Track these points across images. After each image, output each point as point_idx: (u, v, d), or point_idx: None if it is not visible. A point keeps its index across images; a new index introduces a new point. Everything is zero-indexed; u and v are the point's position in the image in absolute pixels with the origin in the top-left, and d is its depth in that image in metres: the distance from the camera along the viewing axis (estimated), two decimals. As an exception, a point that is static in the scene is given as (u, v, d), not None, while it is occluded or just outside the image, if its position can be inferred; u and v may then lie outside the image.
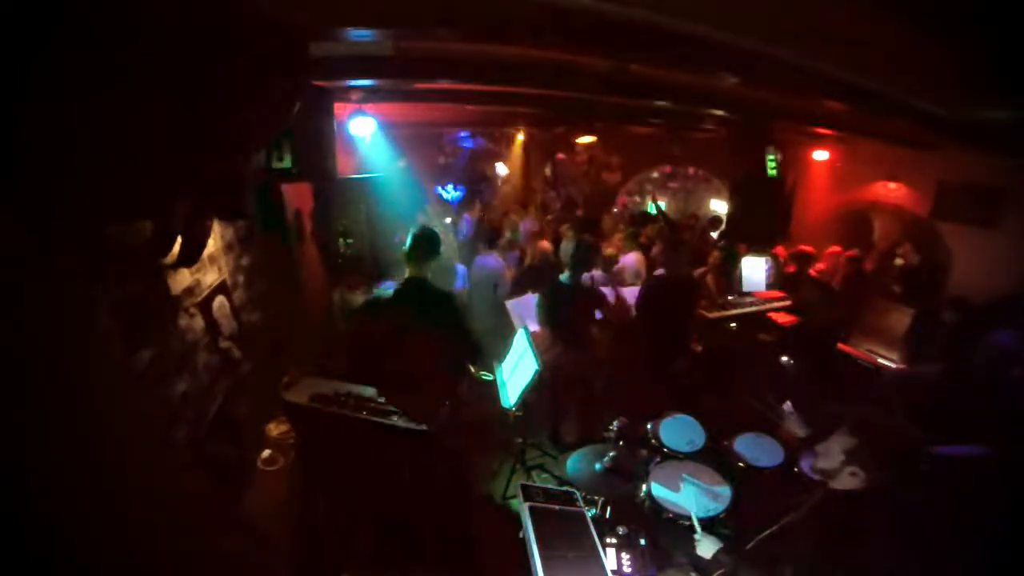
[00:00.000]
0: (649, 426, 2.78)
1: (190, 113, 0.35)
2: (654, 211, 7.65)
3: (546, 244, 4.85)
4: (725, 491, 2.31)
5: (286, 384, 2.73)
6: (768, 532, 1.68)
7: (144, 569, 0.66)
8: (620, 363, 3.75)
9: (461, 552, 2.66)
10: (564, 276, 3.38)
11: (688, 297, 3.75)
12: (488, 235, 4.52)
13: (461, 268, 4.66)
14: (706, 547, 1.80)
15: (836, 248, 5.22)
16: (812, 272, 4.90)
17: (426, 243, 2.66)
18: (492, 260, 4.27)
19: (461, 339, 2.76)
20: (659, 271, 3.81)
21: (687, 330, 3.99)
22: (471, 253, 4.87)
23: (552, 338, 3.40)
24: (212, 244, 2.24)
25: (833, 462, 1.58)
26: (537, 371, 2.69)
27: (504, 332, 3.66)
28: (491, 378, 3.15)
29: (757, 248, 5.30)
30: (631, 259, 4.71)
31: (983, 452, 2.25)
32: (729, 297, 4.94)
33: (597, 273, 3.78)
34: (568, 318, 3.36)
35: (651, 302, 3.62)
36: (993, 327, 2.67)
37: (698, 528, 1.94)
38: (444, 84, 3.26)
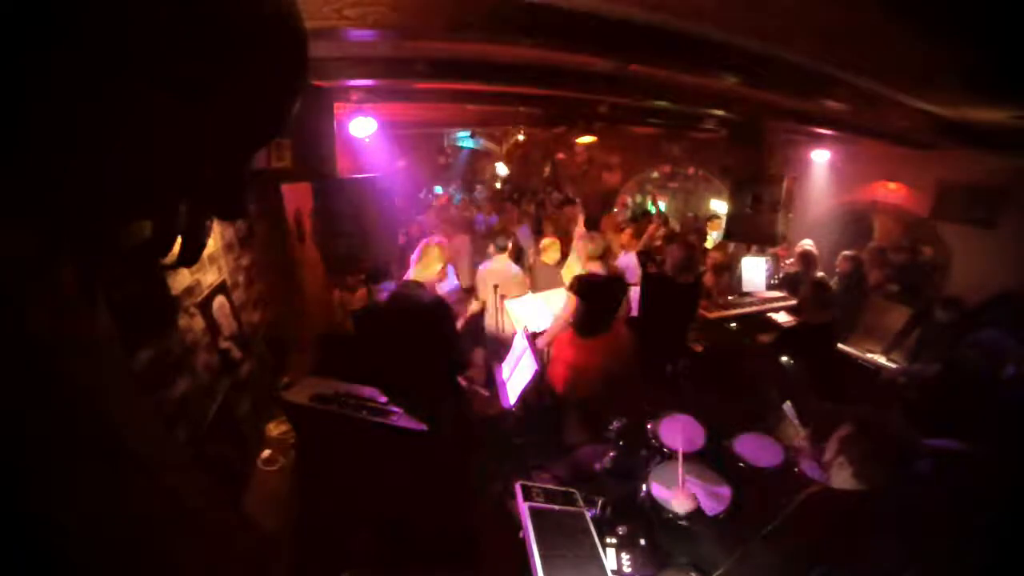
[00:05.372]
0: (649, 426, 2.78)
1: (190, 113, 0.35)
2: (654, 211, 7.66)
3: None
4: (725, 491, 2.31)
5: (286, 384, 2.73)
6: (766, 531, 1.68)
7: (144, 569, 0.66)
8: (621, 363, 3.74)
9: (461, 552, 2.66)
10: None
11: (692, 298, 3.74)
12: (499, 239, 4.41)
13: (450, 268, 4.63)
14: (680, 505, 1.91)
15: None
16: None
17: (432, 252, 2.75)
18: (498, 265, 4.24)
19: (445, 350, 2.77)
20: (655, 270, 3.78)
21: (687, 330, 4.00)
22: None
23: (582, 336, 3.32)
24: (212, 244, 2.24)
25: (828, 455, 1.60)
26: (536, 371, 2.69)
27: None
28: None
29: (757, 248, 5.31)
30: (632, 258, 4.68)
31: (961, 448, 2.26)
32: (729, 297, 4.95)
33: None
34: (603, 311, 3.33)
35: (653, 300, 3.61)
36: (984, 326, 2.68)
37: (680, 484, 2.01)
38: (444, 84, 3.25)
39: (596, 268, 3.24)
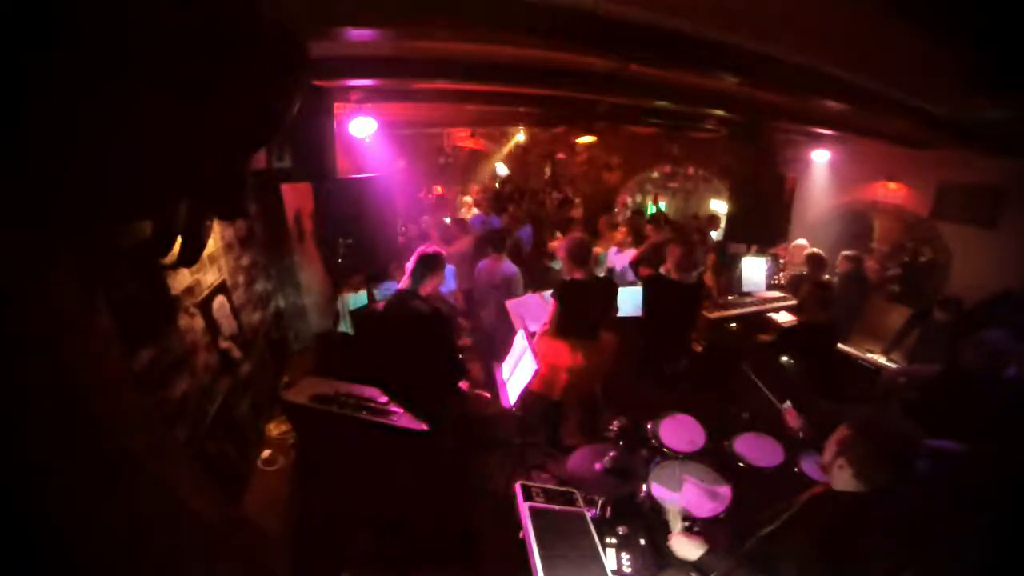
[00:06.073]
0: (649, 426, 2.78)
1: (190, 113, 0.35)
2: (653, 211, 7.67)
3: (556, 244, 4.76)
4: (725, 491, 2.31)
5: (286, 384, 2.73)
6: (766, 531, 1.68)
7: (144, 569, 0.66)
8: (621, 362, 3.74)
9: (461, 552, 2.66)
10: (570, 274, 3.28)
11: (693, 298, 3.74)
12: (495, 239, 4.35)
13: (450, 268, 4.62)
14: (686, 550, 1.70)
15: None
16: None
17: (426, 263, 2.72)
18: (498, 265, 4.23)
19: (443, 357, 2.76)
20: (651, 271, 3.76)
21: (690, 330, 3.99)
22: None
23: (572, 339, 3.29)
24: (212, 244, 2.24)
25: (828, 455, 1.60)
26: (536, 371, 2.69)
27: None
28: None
29: (758, 248, 5.32)
30: (630, 256, 4.67)
31: (963, 448, 2.26)
32: (729, 297, 4.95)
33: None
34: (589, 314, 3.29)
35: (655, 301, 3.61)
36: (984, 326, 2.68)
37: (677, 526, 1.83)
38: (444, 84, 3.25)
39: (578, 272, 3.22)
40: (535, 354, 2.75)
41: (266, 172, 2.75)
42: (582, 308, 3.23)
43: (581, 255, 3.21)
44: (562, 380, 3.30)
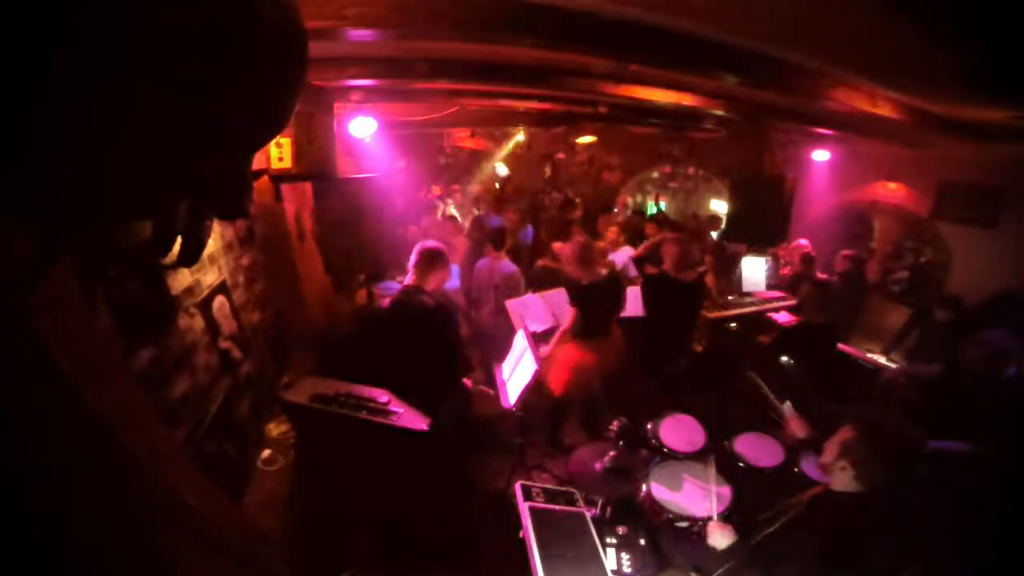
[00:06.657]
0: (649, 426, 2.78)
1: (190, 113, 0.35)
2: (654, 211, 7.66)
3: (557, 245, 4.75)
4: (725, 491, 2.31)
5: (286, 384, 2.73)
6: (767, 532, 1.68)
7: (143, 569, 0.66)
8: (621, 362, 3.74)
9: (461, 552, 2.66)
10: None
11: (694, 298, 3.74)
12: (494, 237, 4.32)
13: (454, 268, 4.62)
14: (719, 539, 1.79)
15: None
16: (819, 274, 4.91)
17: (429, 257, 2.72)
18: (496, 264, 4.22)
19: (446, 354, 2.77)
20: (654, 271, 3.76)
21: (691, 330, 3.99)
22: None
23: (590, 339, 3.35)
24: (212, 244, 2.24)
25: (830, 457, 1.60)
26: (537, 371, 2.69)
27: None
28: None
29: (757, 248, 5.32)
30: (626, 254, 4.67)
31: (967, 449, 2.26)
32: (729, 297, 4.95)
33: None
34: (604, 314, 3.36)
35: (656, 299, 3.62)
36: (985, 326, 2.68)
37: (715, 516, 1.94)
38: (444, 84, 3.25)
39: (586, 275, 3.25)
40: (535, 356, 2.75)
41: (266, 172, 2.75)
42: (597, 308, 3.29)
43: (588, 257, 3.28)
44: (584, 380, 3.37)
